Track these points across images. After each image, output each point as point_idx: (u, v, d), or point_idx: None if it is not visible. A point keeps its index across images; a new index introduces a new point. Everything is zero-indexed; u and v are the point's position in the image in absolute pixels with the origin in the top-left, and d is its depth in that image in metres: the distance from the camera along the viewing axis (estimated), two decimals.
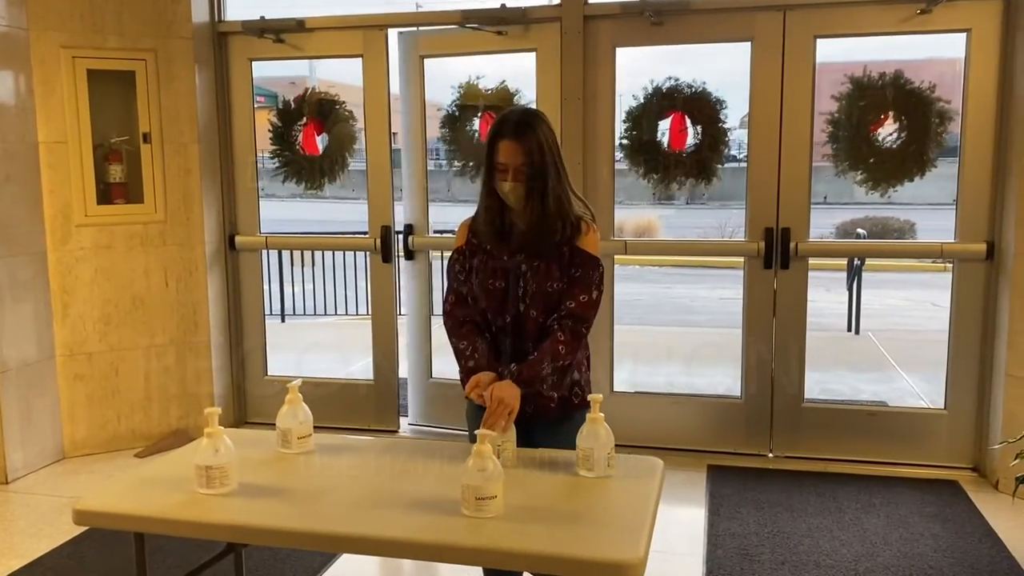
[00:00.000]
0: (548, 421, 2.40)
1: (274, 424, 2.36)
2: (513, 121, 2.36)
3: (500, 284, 2.42)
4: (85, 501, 2.03)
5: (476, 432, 1.99)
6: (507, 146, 2.32)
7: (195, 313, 4.79)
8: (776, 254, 4.33)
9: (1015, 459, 3.14)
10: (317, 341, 8.28)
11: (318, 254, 9.34)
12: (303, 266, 9.55)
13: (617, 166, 4.54)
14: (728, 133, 4.38)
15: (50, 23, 4.30)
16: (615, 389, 4.68)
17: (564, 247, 2.40)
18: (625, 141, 4.46)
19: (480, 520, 1.88)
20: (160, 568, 3.33)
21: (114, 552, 3.47)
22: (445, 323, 2.53)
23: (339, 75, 6.43)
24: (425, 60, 4.70)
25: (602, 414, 2.18)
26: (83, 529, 3.66)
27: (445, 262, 2.60)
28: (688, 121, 4.40)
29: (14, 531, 3.73)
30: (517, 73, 4.77)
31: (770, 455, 4.47)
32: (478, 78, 4.67)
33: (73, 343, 4.52)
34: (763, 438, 4.48)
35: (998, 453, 3.94)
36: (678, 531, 3.64)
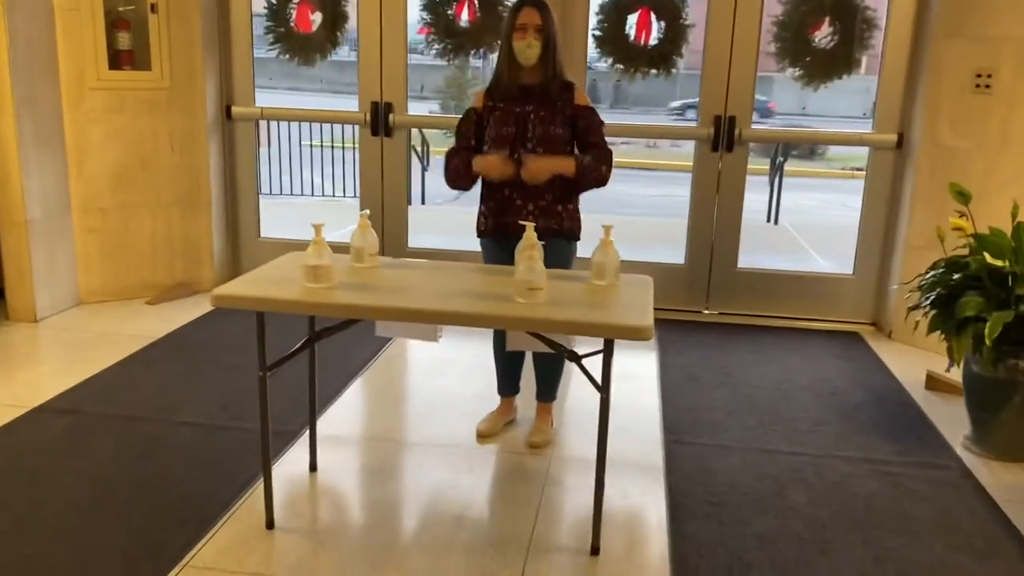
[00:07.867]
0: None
1: None
2: None
3: (511, 130, 3.12)
4: (221, 289, 2.56)
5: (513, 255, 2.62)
6: (528, 11, 3.07)
7: (197, 177, 5.21)
8: (723, 138, 5.03)
9: (910, 291, 3.78)
10: (293, 216, 8.68)
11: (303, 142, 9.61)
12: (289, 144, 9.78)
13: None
14: (688, 30, 4.97)
15: None
16: None
17: (560, 102, 3.14)
18: (597, 32, 5.02)
19: (532, 304, 2.51)
20: (225, 371, 3.89)
21: (163, 371, 4.01)
22: (445, 174, 3.22)
23: None
24: None
25: (612, 238, 2.83)
26: (127, 353, 4.19)
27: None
28: (653, 16, 4.98)
29: (61, 356, 4.20)
30: None
31: (705, 312, 5.27)
32: None
33: (88, 198, 4.90)
34: (701, 297, 5.28)
35: (892, 308, 4.82)
36: (636, 363, 4.41)
